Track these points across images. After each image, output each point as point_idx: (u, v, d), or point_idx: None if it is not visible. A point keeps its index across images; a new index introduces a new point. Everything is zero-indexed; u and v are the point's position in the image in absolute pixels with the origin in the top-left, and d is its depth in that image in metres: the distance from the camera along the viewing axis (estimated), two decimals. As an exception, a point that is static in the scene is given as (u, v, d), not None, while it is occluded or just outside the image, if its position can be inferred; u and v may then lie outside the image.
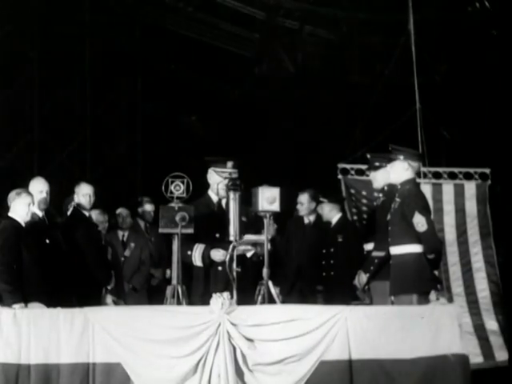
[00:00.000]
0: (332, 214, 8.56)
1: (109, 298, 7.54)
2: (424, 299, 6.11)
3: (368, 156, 7.28)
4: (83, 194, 7.56)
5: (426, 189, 8.87)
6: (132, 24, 11.53)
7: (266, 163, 11.06)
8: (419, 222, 6.13)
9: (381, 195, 7.14)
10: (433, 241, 6.22)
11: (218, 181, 6.69)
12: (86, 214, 7.65)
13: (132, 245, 8.77)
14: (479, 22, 10.64)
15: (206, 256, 6.53)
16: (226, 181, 6.51)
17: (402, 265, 6.29)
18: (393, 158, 6.52)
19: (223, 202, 6.72)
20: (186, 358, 5.46)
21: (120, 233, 8.77)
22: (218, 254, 6.46)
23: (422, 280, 6.20)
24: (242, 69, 11.99)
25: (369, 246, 7.15)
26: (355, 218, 9.60)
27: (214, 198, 6.80)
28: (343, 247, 8.33)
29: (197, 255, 6.56)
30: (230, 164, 6.72)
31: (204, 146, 12.16)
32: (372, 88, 10.23)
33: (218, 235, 6.57)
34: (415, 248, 6.23)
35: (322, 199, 8.59)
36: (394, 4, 10.41)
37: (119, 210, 8.81)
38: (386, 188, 7.04)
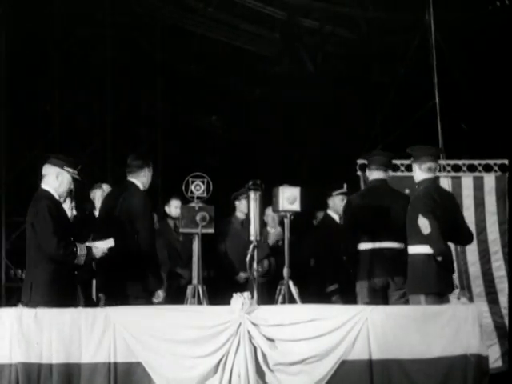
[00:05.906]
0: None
1: None
2: (433, 300, 6.07)
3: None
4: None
5: (445, 182, 8.80)
6: (152, 24, 11.58)
7: (287, 162, 11.05)
8: (423, 225, 6.10)
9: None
10: (437, 243, 6.14)
11: None
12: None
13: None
14: (501, 20, 10.54)
15: None
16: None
17: (413, 264, 6.30)
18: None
19: None
20: (207, 358, 5.46)
21: None
22: None
23: (428, 281, 6.18)
24: (262, 69, 12.00)
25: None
26: None
27: None
28: None
29: None
30: None
31: (224, 145, 12.21)
32: (391, 86, 10.19)
33: None
34: (424, 249, 6.21)
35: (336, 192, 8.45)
36: (414, 3, 10.36)
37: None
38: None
